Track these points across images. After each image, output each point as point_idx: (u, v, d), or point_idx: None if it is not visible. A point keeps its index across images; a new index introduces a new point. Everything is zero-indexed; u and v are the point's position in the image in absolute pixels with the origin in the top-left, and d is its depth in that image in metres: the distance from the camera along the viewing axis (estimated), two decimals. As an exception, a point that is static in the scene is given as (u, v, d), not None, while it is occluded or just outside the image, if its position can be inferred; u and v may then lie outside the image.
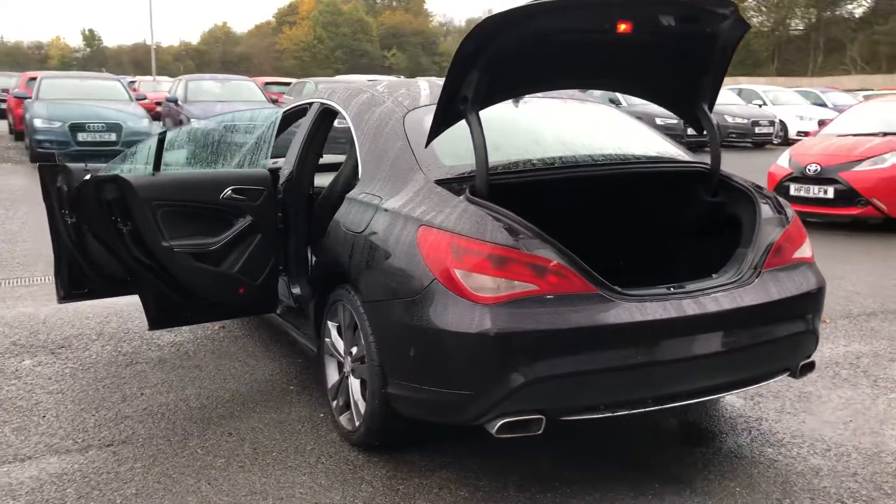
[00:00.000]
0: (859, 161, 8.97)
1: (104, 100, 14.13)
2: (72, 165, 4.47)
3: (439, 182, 3.18)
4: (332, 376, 3.67)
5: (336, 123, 4.38)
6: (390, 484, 3.15)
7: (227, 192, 3.96)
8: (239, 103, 14.87)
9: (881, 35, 48.72)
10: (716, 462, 3.30)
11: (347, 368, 3.47)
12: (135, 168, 3.94)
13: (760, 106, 21.08)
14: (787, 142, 18.98)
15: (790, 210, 3.38)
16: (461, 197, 3.03)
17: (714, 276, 3.15)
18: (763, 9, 59.54)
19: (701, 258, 3.48)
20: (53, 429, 3.69)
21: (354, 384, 3.43)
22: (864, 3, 54.60)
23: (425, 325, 2.85)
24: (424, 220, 3.00)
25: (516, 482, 3.14)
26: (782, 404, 3.89)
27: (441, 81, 4.11)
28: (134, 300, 5.46)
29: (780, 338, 3.12)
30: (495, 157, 3.22)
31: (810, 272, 3.30)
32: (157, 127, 14.61)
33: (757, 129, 19.41)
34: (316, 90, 16.17)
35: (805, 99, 22.40)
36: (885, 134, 9.33)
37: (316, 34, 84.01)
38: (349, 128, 3.86)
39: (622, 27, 2.93)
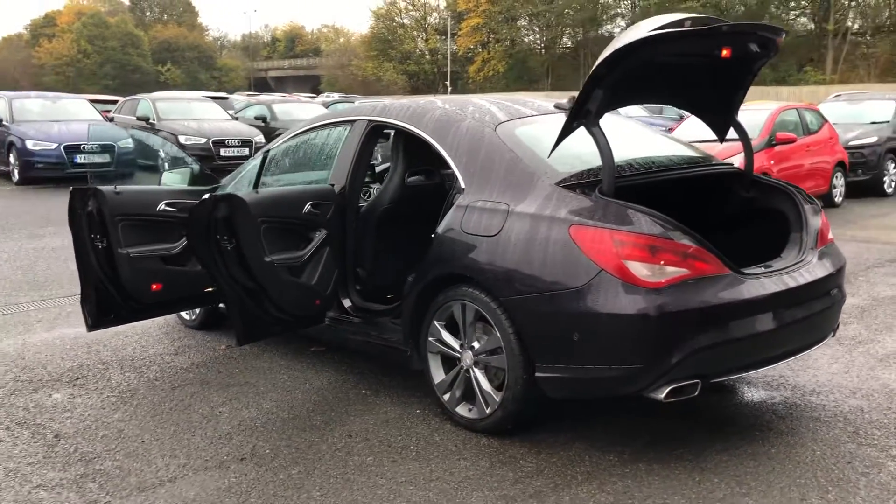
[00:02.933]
0: (710, 164, 10.31)
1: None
2: (104, 188, 4.37)
3: (564, 186, 3.59)
4: (439, 373, 3.94)
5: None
6: (543, 458, 3.50)
7: (308, 207, 4.10)
8: (76, 122, 14.04)
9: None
10: (782, 411, 3.98)
11: (468, 361, 3.77)
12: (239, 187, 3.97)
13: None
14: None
15: (817, 200, 4.15)
16: (593, 197, 3.47)
17: (781, 256, 3.82)
18: (536, 28, 64.16)
19: (741, 245, 4.15)
20: (168, 451, 3.65)
21: (479, 375, 3.74)
22: (620, 24, 60.43)
23: (595, 311, 3.26)
24: (574, 219, 3.40)
25: (648, 443, 3.62)
26: (787, 364, 4.64)
27: (480, 100, 4.52)
28: (113, 329, 5.33)
29: (834, 303, 3.87)
30: (597, 163, 3.67)
31: (838, 250, 4.08)
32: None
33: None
34: (152, 107, 15.59)
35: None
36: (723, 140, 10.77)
37: (80, 48, 78.45)
38: (429, 144, 4.12)
39: (724, 52, 3.52)
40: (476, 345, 3.75)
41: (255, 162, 3.92)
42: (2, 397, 4.36)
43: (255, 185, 3.91)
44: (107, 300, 4.44)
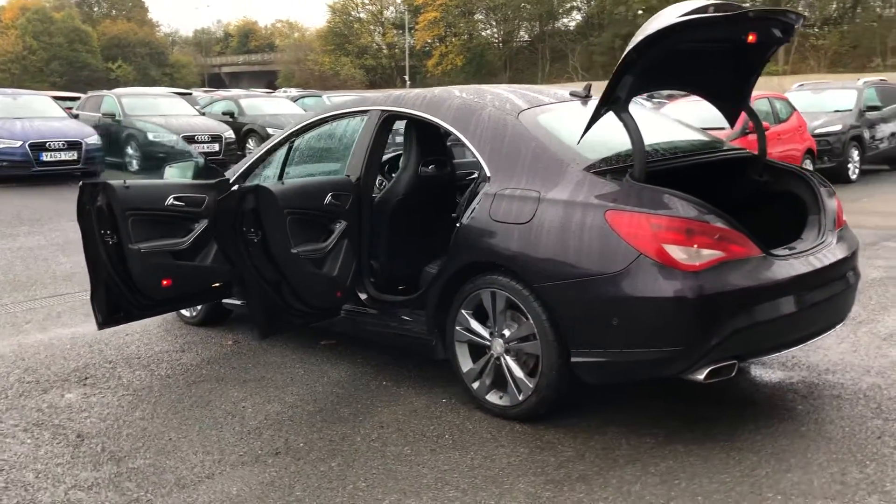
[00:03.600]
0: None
1: None
2: (113, 183, 4.27)
3: (594, 173, 3.60)
4: (467, 361, 3.93)
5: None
6: (581, 442, 3.53)
7: (329, 198, 4.06)
8: (40, 119, 13.72)
9: (595, 46, 54.89)
10: (803, 391, 4.06)
11: (499, 349, 3.77)
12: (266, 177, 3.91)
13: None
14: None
15: (830, 183, 4.24)
16: (624, 182, 3.50)
17: (802, 238, 3.89)
18: (493, 22, 64.40)
19: (756, 228, 4.22)
20: (199, 447, 3.59)
21: (510, 362, 3.74)
22: (576, 18, 61.08)
23: (634, 296, 3.29)
24: (609, 204, 3.42)
25: (680, 425, 3.67)
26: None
27: (495, 88, 4.52)
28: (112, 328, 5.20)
29: (852, 284, 3.95)
30: (624, 149, 3.70)
31: (852, 232, 4.17)
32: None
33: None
34: (118, 103, 15.25)
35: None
36: (704, 129, 10.94)
37: (25, 44, 76.41)
38: (453, 134, 4.12)
39: (750, 38, 3.57)
40: (507, 332, 3.75)
41: (261, 154, 3.84)
42: (11, 399, 4.24)
43: (280, 177, 3.86)
44: (117, 297, 4.34)
